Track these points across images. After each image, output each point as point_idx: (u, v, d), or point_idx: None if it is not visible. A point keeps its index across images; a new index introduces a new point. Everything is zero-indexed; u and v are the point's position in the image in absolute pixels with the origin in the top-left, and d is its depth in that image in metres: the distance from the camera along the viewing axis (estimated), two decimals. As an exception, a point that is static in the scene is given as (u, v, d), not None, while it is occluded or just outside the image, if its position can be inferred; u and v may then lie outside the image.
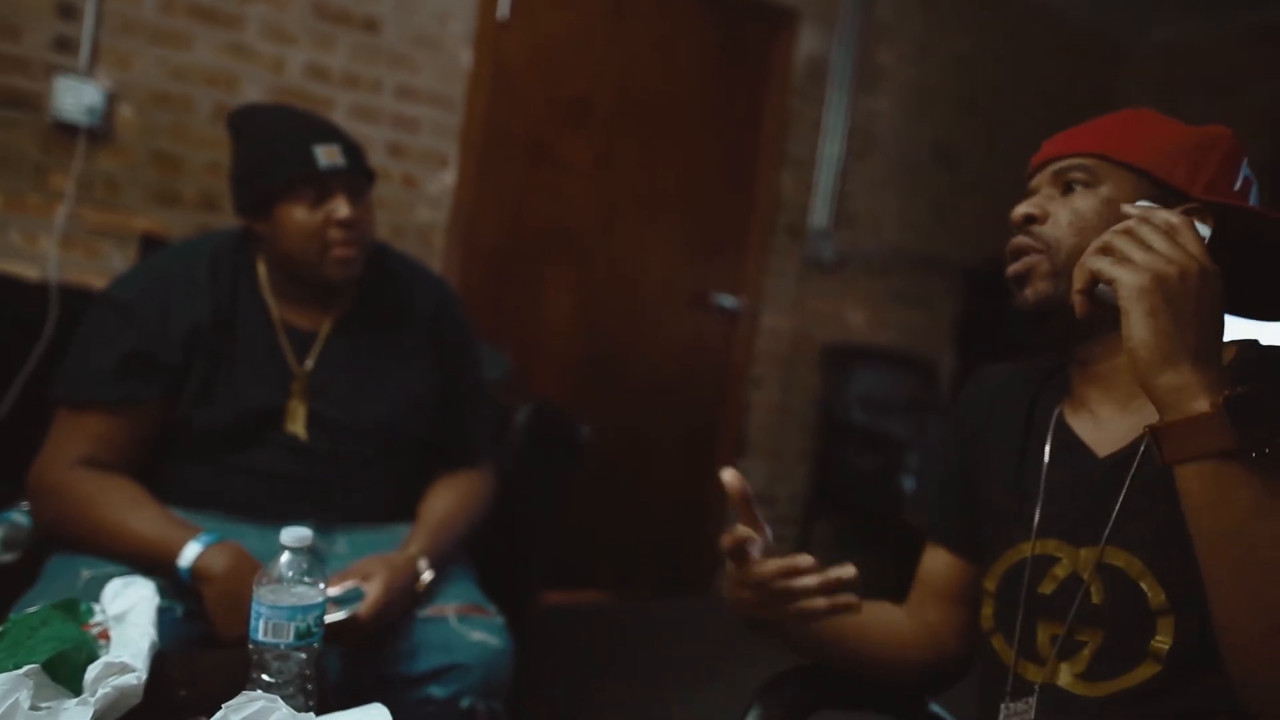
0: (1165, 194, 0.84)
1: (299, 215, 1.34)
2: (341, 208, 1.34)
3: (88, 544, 1.24)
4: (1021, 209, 0.89)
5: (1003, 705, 0.87)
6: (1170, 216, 0.70)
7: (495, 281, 2.91)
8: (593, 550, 3.12)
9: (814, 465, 3.54)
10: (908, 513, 3.10)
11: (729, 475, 0.85)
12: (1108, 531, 0.81)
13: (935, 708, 1.03)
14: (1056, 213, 0.87)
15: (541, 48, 2.88)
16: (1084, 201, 0.86)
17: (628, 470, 3.15)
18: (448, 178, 2.75)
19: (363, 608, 1.23)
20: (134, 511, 1.24)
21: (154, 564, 1.20)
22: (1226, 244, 0.82)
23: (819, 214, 3.41)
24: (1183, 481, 0.67)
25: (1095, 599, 0.82)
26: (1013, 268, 0.89)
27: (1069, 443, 0.89)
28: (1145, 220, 0.70)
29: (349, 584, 1.25)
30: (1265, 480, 0.64)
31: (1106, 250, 0.70)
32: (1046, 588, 0.85)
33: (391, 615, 1.27)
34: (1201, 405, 0.64)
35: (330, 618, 1.20)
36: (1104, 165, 0.86)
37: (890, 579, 1.04)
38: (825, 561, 0.81)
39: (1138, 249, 0.68)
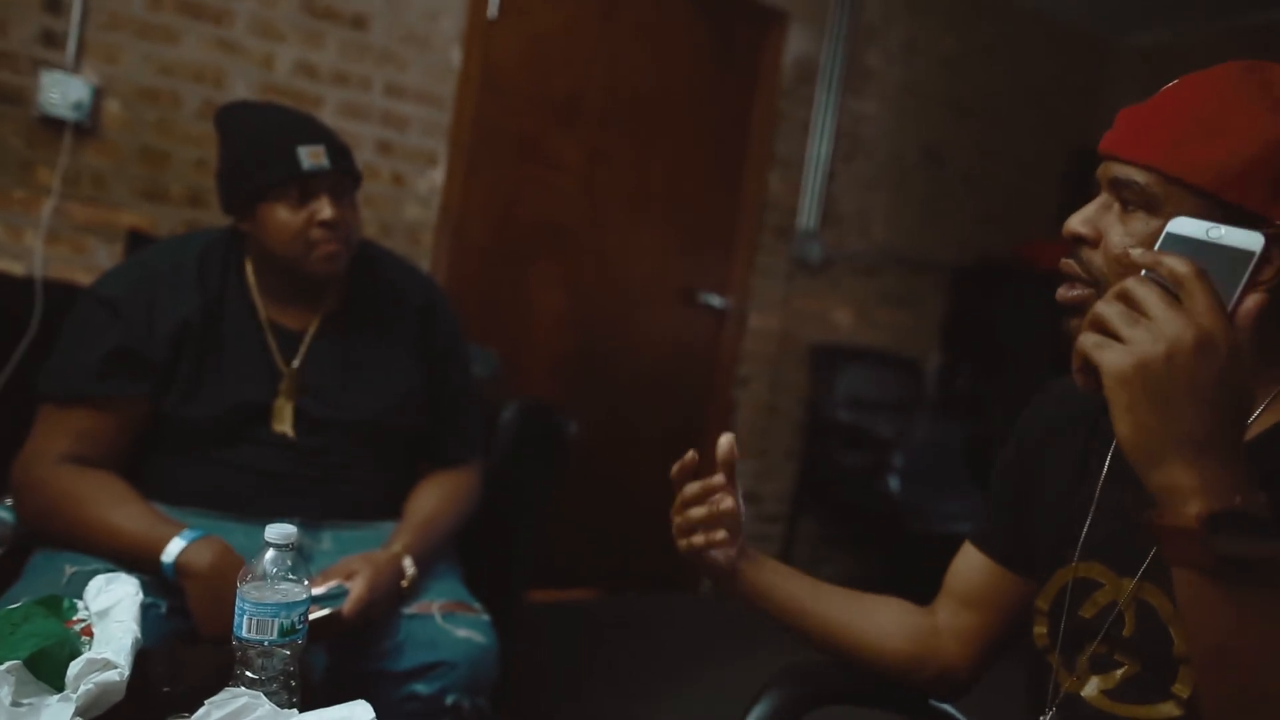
0: (1236, 218, 0.69)
1: (282, 215, 1.34)
2: (325, 209, 1.34)
3: (71, 540, 1.24)
4: (1073, 224, 0.78)
5: (1041, 718, 0.86)
6: (1178, 267, 0.60)
7: (484, 279, 2.91)
8: (580, 548, 3.12)
9: (800, 464, 3.55)
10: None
11: (726, 439, 0.91)
12: (1145, 567, 0.78)
13: (952, 711, 1.03)
14: (1108, 235, 0.76)
15: (531, 46, 2.88)
16: (1138, 230, 0.74)
17: (615, 468, 3.16)
18: (437, 176, 2.74)
19: (346, 605, 1.23)
20: (118, 508, 1.24)
21: (137, 560, 1.20)
22: None
23: (807, 214, 3.43)
24: (1175, 583, 0.62)
25: (1126, 631, 0.79)
26: (1062, 295, 0.79)
27: (1127, 466, 0.84)
28: (1152, 271, 0.61)
29: (333, 583, 1.26)
30: (1253, 598, 0.59)
31: (1096, 322, 0.62)
32: (1088, 611, 0.83)
33: (375, 613, 1.27)
34: (1187, 513, 0.58)
35: (312, 615, 1.20)
36: (1164, 184, 0.72)
37: (877, 577, 1.04)
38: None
39: (1127, 323, 0.60)
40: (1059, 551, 0.87)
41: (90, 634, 0.87)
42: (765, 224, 3.36)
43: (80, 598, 0.93)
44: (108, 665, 0.78)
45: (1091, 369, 0.62)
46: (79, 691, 0.74)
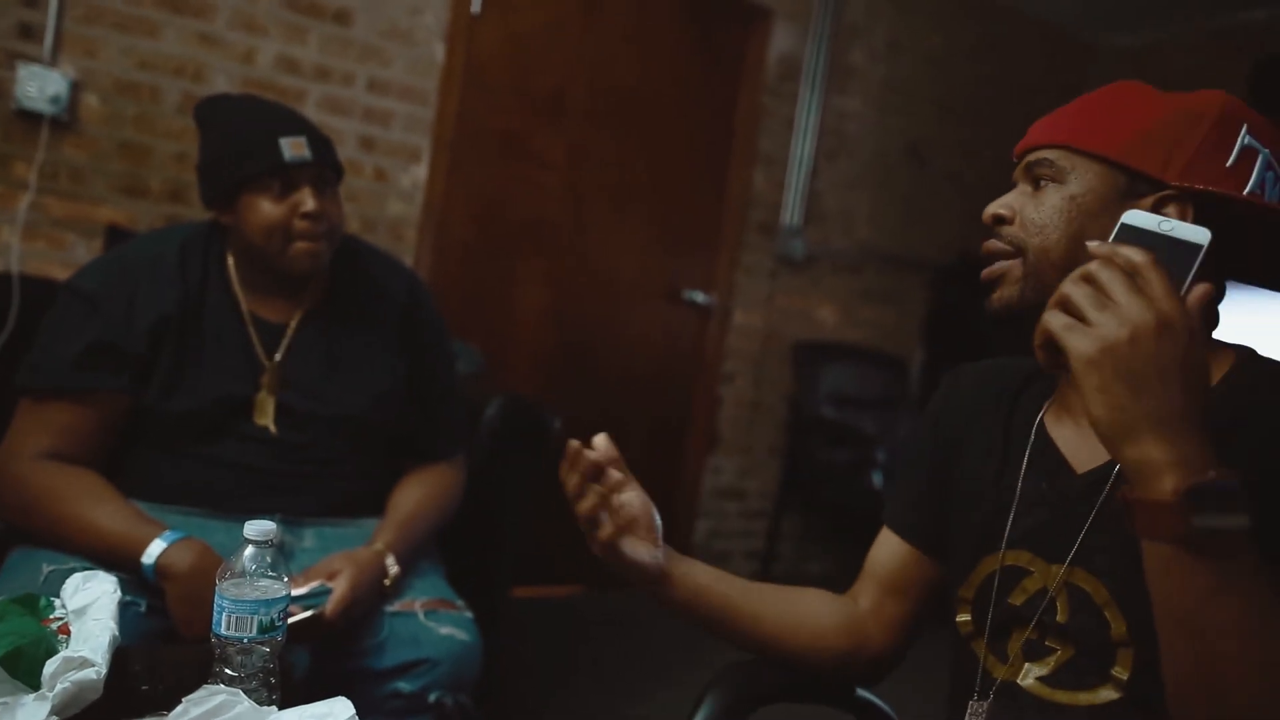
0: (1136, 182, 0.79)
1: (264, 207, 1.32)
2: (307, 200, 1.33)
3: (50, 538, 1.23)
4: (990, 209, 0.86)
5: (970, 703, 0.87)
6: (1134, 256, 0.63)
7: (467, 276, 2.90)
8: (564, 544, 3.11)
9: (784, 460, 3.56)
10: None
11: (600, 439, 0.89)
12: (1074, 554, 0.80)
13: (877, 700, 1.03)
14: (1024, 211, 0.83)
15: (514, 41, 2.87)
16: (1049, 199, 0.82)
17: (599, 465, 3.15)
18: (420, 172, 2.73)
19: (329, 605, 1.22)
20: (98, 506, 1.23)
21: (117, 560, 1.19)
22: (1224, 222, 0.75)
23: (791, 211, 3.44)
24: (1145, 554, 0.64)
25: (1060, 617, 0.81)
26: (985, 272, 0.86)
27: (1048, 454, 0.87)
28: (1109, 262, 0.64)
29: (315, 583, 1.25)
30: (1222, 568, 0.61)
31: (1063, 303, 0.64)
32: (1017, 599, 0.85)
33: (358, 612, 1.27)
34: (1162, 487, 0.60)
35: (295, 618, 1.20)
36: (1070, 157, 0.81)
37: (859, 571, 1.04)
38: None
39: (1094, 306, 0.62)
40: (983, 540, 0.88)
41: (67, 632, 0.86)
42: (749, 221, 3.37)
43: (57, 596, 0.93)
44: (85, 664, 0.77)
45: (1054, 348, 0.64)
46: (55, 690, 0.74)
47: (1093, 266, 0.64)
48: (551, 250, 3.03)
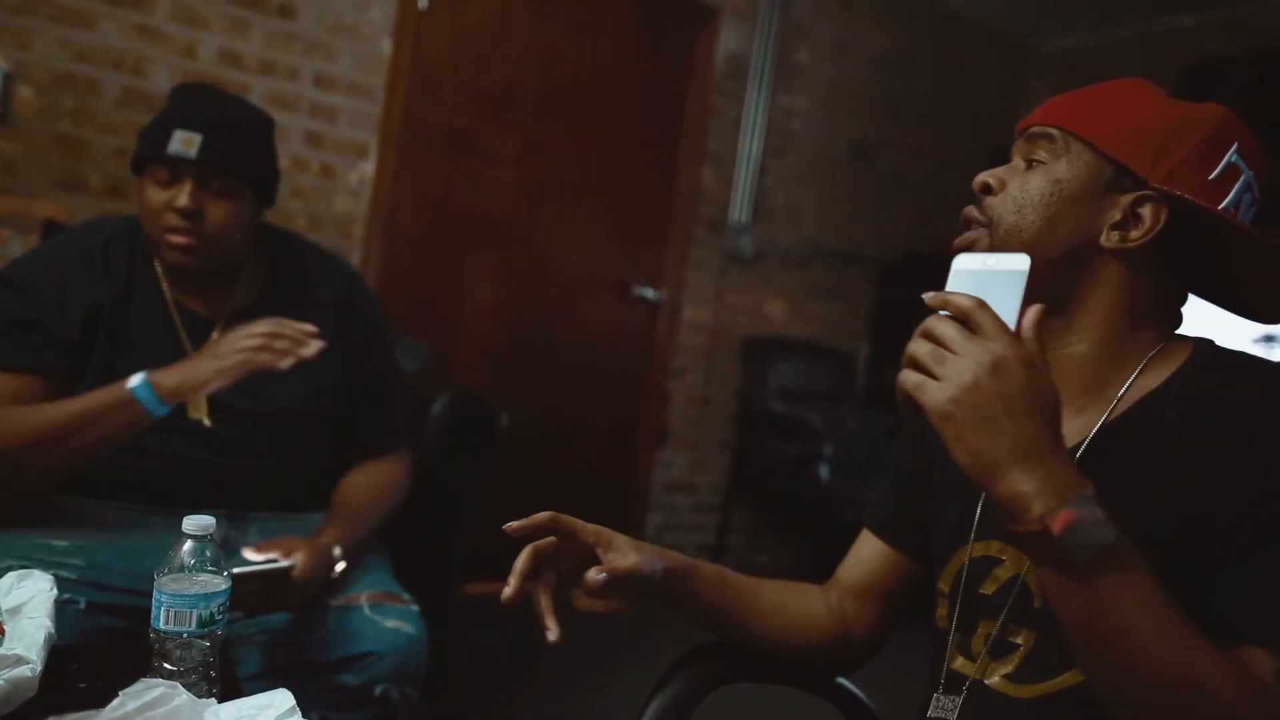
0: (1121, 177, 0.80)
1: (149, 193, 1.35)
2: (181, 196, 1.33)
3: (41, 453, 1.23)
4: (981, 176, 0.86)
5: (935, 696, 0.89)
6: (962, 302, 0.67)
7: (416, 271, 2.89)
8: (515, 540, 3.12)
9: (734, 454, 3.61)
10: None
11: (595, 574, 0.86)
12: None
13: (848, 684, 1.06)
14: (1010, 184, 0.84)
15: (462, 36, 2.87)
16: (1036, 180, 0.82)
17: (549, 459, 3.17)
18: (367, 168, 2.72)
19: (296, 567, 1.23)
20: (58, 403, 1.25)
21: (113, 415, 1.22)
22: (1195, 232, 0.79)
23: (739, 208, 3.48)
24: (1038, 577, 0.67)
25: (1037, 602, 0.82)
26: (957, 240, 0.86)
27: None
28: (942, 309, 0.69)
29: (271, 554, 1.26)
30: (1107, 581, 0.64)
31: (911, 362, 0.68)
32: (989, 588, 0.86)
33: (310, 591, 1.27)
34: (1032, 517, 0.63)
35: (271, 565, 1.21)
36: (1067, 139, 0.82)
37: (809, 565, 1.07)
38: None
39: (935, 361, 0.66)
40: (956, 534, 0.90)
41: (1, 632, 0.86)
42: (698, 217, 3.40)
43: (-9, 595, 0.92)
44: (19, 661, 0.77)
45: (914, 403, 0.68)
46: (-11, 687, 0.74)
47: (930, 322, 0.68)
48: (501, 246, 3.04)
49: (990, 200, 0.85)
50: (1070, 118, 0.83)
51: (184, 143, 1.31)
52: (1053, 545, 0.63)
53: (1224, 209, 0.79)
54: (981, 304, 0.67)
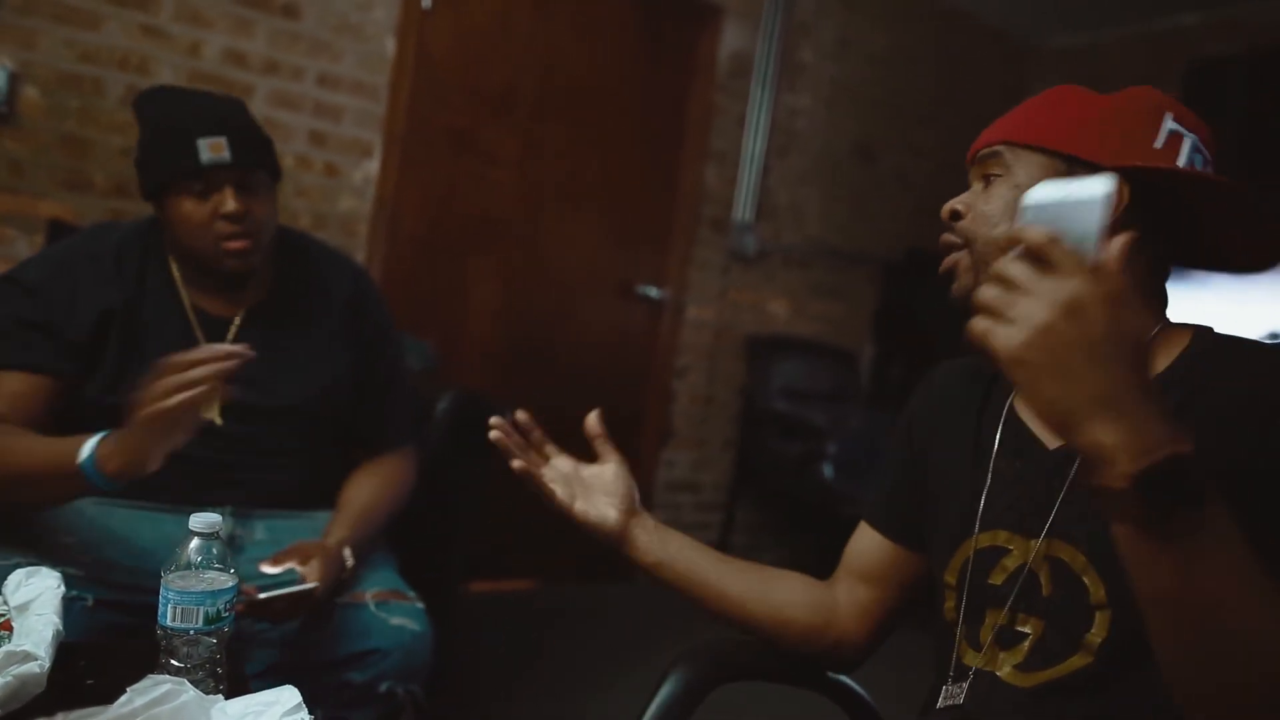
0: (1074, 168, 0.82)
1: (187, 208, 1.32)
2: (227, 201, 1.32)
3: None
4: (949, 205, 0.90)
5: (943, 687, 0.89)
6: (1033, 236, 0.61)
7: (419, 271, 2.89)
8: (517, 539, 3.13)
9: (737, 453, 3.61)
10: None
11: (592, 416, 1.06)
12: (1049, 525, 0.82)
13: (849, 682, 1.06)
14: (975, 206, 0.88)
15: (465, 36, 2.87)
16: (997, 191, 0.86)
17: (554, 460, 3.17)
18: (371, 167, 2.72)
19: (317, 580, 1.23)
20: (24, 444, 1.17)
21: (58, 480, 1.11)
22: (1159, 203, 0.80)
23: (742, 207, 3.48)
24: (1116, 537, 0.63)
25: (1044, 590, 0.82)
26: (942, 265, 0.90)
27: (1019, 433, 0.89)
28: (1013, 241, 0.63)
29: (288, 565, 1.26)
30: (1192, 543, 0.60)
31: (982, 307, 0.63)
32: (997, 578, 0.86)
33: (327, 598, 1.28)
34: (1115, 473, 0.58)
35: (297, 587, 1.21)
36: (1012, 151, 0.86)
37: (812, 564, 1.08)
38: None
39: (1003, 304, 0.61)
40: (962, 526, 0.90)
41: (9, 628, 0.86)
42: (702, 217, 3.41)
43: (-1, 592, 0.92)
44: (27, 657, 0.77)
45: (988, 351, 0.63)
46: (-2, 683, 0.74)
47: (999, 263, 0.63)
48: (504, 246, 3.04)
49: (961, 223, 0.88)
50: (1011, 131, 0.87)
51: (213, 149, 1.29)
52: (1138, 504, 0.58)
53: (1184, 167, 0.82)
54: (1054, 236, 0.60)
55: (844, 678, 1.06)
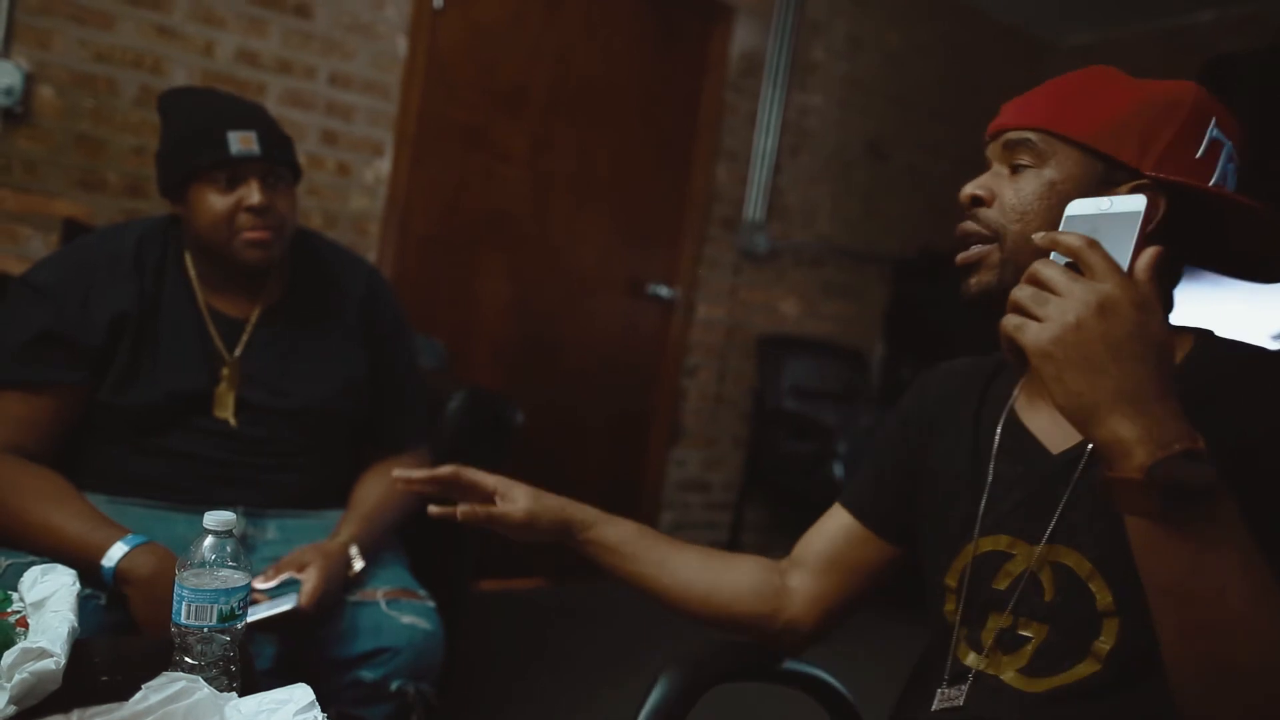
0: (1113, 170, 0.80)
1: (211, 199, 1.33)
2: (253, 194, 1.33)
3: (8, 534, 1.22)
4: (968, 189, 0.85)
5: (940, 689, 0.88)
6: (1071, 241, 0.65)
7: (430, 269, 2.90)
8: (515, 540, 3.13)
9: (747, 453, 3.60)
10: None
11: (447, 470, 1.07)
12: (1051, 531, 0.81)
13: (835, 683, 1.05)
14: (1002, 194, 0.83)
15: (476, 35, 2.87)
16: (1028, 184, 0.82)
17: (562, 457, 3.17)
18: (383, 166, 2.73)
19: (303, 598, 1.23)
20: (58, 506, 1.21)
21: (76, 561, 1.17)
22: (1187, 210, 0.79)
23: (753, 206, 3.47)
24: (1128, 530, 0.65)
25: (1047, 596, 0.81)
26: (961, 256, 0.86)
27: (1020, 437, 0.88)
28: (1051, 249, 0.66)
29: (284, 575, 1.26)
30: (1203, 536, 0.61)
31: (1014, 306, 0.66)
32: (1001, 583, 0.85)
33: (328, 603, 1.28)
34: (1130, 465, 0.61)
35: (275, 609, 1.21)
36: (1049, 141, 0.81)
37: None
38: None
39: (1038, 302, 0.64)
40: (963, 529, 0.89)
41: (25, 625, 0.87)
42: (712, 215, 3.40)
43: (15, 590, 0.93)
44: (43, 654, 0.77)
45: (1017, 349, 0.65)
46: (13, 681, 0.74)
47: (1035, 265, 0.66)
48: (514, 244, 3.04)
49: (986, 212, 0.84)
50: (1047, 118, 0.82)
51: (243, 141, 1.31)
52: (1151, 496, 0.60)
53: (1215, 184, 0.80)
54: (1092, 243, 0.64)
55: (833, 680, 1.05)
